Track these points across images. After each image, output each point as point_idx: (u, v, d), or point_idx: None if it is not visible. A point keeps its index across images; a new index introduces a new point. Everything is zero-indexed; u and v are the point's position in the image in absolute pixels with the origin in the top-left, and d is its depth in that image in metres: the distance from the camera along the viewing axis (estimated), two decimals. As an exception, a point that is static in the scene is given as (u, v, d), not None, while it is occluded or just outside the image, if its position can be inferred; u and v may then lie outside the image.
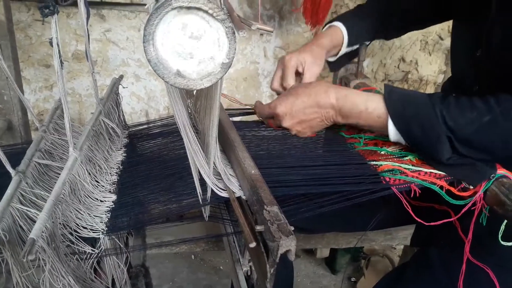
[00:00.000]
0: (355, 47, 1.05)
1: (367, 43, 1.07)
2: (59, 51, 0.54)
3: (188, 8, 0.36)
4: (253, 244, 0.48)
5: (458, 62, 0.89)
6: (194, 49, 0.38)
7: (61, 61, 0.56)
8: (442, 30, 1.78)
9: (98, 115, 0.79)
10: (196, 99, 0.79)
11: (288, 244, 0.44)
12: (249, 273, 0.73)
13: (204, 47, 0.38)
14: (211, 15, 0.37)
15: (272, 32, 0.61)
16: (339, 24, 1.00)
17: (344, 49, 1.02)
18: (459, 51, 0.88)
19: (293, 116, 0.78)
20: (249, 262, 0.73)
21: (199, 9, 0.36)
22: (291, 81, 0.90)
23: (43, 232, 0.52)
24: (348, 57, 1.08)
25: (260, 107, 0.85)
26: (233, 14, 0.39)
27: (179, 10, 0.36)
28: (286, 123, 0.80)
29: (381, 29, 1.04)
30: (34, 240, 0.50)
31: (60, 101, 0.81)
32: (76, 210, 0.62)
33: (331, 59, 1.04)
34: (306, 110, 0.77)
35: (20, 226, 0.56)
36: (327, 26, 1.02)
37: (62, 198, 0.59)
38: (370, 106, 0.70)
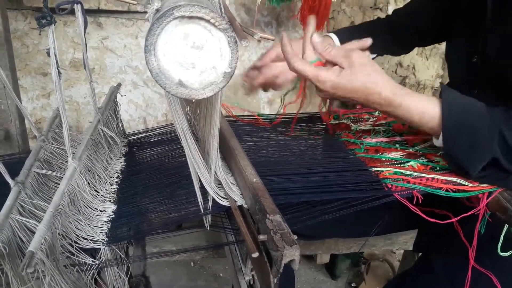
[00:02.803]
0: None
1: (373, 56, 1.10)
2: (56, 61, 0.54)
3: (190, 17, 0.36)
4: (255, 254, 0.48)
5: (455, 67, 0.90)
6: (196, 59, 0.38)
7: (58, 71, 0.56)
8: (438, 35, 1.79)
9: (97, 124, 0.78)
10: (196, 107, 0.79)
11: (292, 254, 0.43)
12: (251, 283, 0.73)
13: (206, 57, 0.38)
14: (213, 24, 0.36)
15: (273, 40, 0.61)
16: (332, 35, 1.02)
17: None
18: (455, 56, 0.89)
19: (336, 91, 0.67)
20: (251, 271, 0.72)
21: (201, 18, 0.36)
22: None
23: (42, 244, 0.51)
24: None
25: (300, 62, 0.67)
26: (234, 23, 0.39)
27: (180, 20, 0.36)
28: (325, 89, 0.67)
29: (387, 45, 1.07)
30: (33, 252, 0.49)
31: (58, 110, 0.81)
32: (76, 221, 0.61)
33: None
34: (352, 95, 0.67)
35: (20, 238, 0.55)
36: (324, 35, 1.03)
37: (61, 209, 0.58)
38: (424, 118, 0.64)
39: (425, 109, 0.64)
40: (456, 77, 0.89)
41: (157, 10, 0.39)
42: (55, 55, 0.54)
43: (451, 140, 0.63)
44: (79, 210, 0.63)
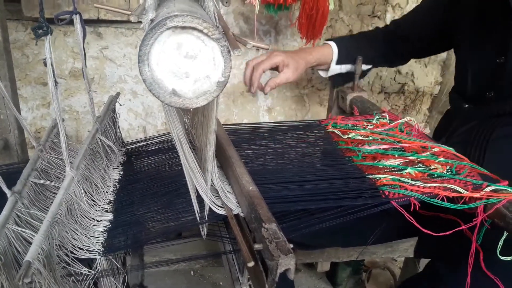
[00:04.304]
0: (346, 66, 1.11)
1: (367, 67, 1.13)
2: (53, 71, 0.54)
3: (183, 27, 0.36)
4: (251, 263, 0.47)
5: (472, 70, 0.92)
6: (190, 68, 0.38)
7: (55, 80, 0.56)
8: (436, 42, 1.80)
9: (95, 133, 0.78)
10: (193, 115, 0.79)
11: (287, 263, 0.43)
12: (249, 292, 0.72)
13: (200, 66, 0.38)
14: (206, 34, 0.37)
15: (267, 49, 0.62)
16: (332, 44, 1.08)
17: (334, 66, 1.09)
18: (473, 59, 0.91)
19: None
20: (248, 281, 0.72)
21: (194, 28, 0.36)
22: (266, 67, 0.99)
23: (39, 254, 0.51)
24: (350, 77, 1.14)
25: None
26: (228, 32, 0.39)
27: (174, 30, 0.36)
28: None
29: (384, 56, 1.12)
30: (30, 262, 0.49)
31: (56, 120, 0.81)
32: (72, 231, 0.61)
33: (323, 74, 1.12)
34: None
35: (16, 248, 0.55)
36: (323, 43, 1.11)
37: (59, 219, 0.58)
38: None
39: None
40: (472, 80, 0.92)
41: (152, 21, 0.40)
42: (52, 65, 0.54)
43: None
44: (75, 220, 0.63)
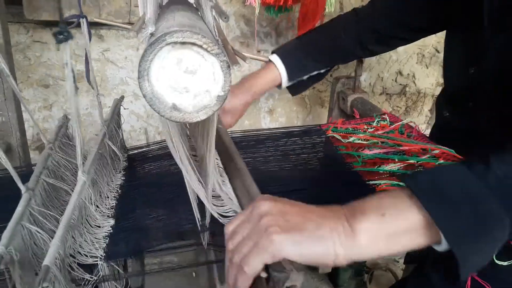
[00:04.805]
0: (301, 78, 0.96)
1: (326, 69, 0.98)
2: (74, 76, 0.54)
3: (183, 43, 0.36)
4: (264, 274, 0.46)
5: (451, 77, 0.87)
6: (190, 83, 0.38)
7: (75, 85, 0.56)
8: (438, 43, 1.79)
9: (103, 137, 0.78)
10: (194, 126, 0.78)
11: (295, 279, 0.40)
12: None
13: (200, 81, 0.38)
14: (206, 49, 0.37)
15: (266, 61, 0.59)
16: (277, 61, 0.92)
17: (286, 84, 0.94)
18: (452, 66, 0.86)
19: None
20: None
21: (193, 44, 0.36)
22: None
23: (56, 258, 0.51)
24: (308, 84, 1.00)
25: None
26: (227, 46, 0.39)
27: (173, 46, 0.36)
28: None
29: (355, 46, 0.96)
30: (49, 267, 0.49)
31: (64, 119, 0.81)
32: (80, 236, 0.61)
33: (279, 87, 0.96)
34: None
35: (29, 246, 0.55)
36: (269, 59, 0.95)
37: (73, 223, 0.58)
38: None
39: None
40: (452, 87, 0.87)
41: (152, 34, 0.40)
42: (73, 70, 0.54)
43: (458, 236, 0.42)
44: (83, 225, 0.64)
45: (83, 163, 0.64)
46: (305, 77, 0.96)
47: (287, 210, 0.44)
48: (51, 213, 0.61)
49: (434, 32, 0.95)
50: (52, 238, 0.55)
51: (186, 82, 0.38)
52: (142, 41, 0.40)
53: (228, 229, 0.46)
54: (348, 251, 0.42)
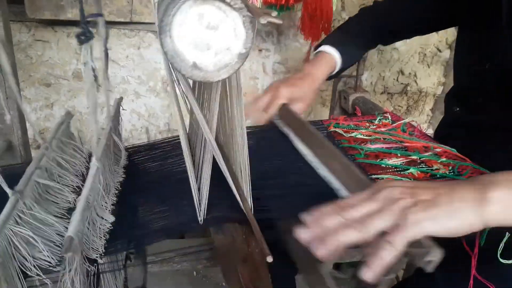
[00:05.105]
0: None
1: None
2: (95, 75, 0.54)
3: None
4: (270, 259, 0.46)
5: (463, 73, 0.88)
6: (211, 40, 0.38)
7: (98, 85, 0.55)
8: (440, 42, 1.79)
9: (110, 130, 0.78)
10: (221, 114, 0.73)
11: (435, 254, 0.43)
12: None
13: (221, 38, 0.38)
14: (228, 4, 0.37)
15: (281, 23, 0.57)
16: (332, 51, 0.97)
17: (336, 71, 1.02)
18: (464, 62, 0.87)
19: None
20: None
21: None
22: (274, 111, 0.88)
23: (78, 231, 0.50)
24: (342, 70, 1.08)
25: None
26: (248, 3, 0.39)
27: (195, 1, 0.36)
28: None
29: (376, 37, 1.05)
30: (72, 237, 0.48)
31: (66, 116, 0.80)
32: (87, 228, 0.60)
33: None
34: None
35: (15, 248, 0.55)
36: (318, 51, 1.00)
37: (89, 203, 0.58)
38: None
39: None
40: (463, 83, 0.88)
41: None
42: (93, 70, 0.54)
43: None
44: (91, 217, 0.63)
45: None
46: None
47: (416, 189, 0.47)
48: (42, 216, 0.60)
49: (443, 28, 1.01)
50: (44, 240, 0.54)
51: (207, 38, 0.38)
52: (155, 2, 0.40)
53: (346, 201, 0.49)
54: (482, 218, 0.45)
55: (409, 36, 1.08)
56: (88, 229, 0.60)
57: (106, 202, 0.70)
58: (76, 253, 0.47)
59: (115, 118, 0.86)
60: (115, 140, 0.81)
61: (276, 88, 0.90)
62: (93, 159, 0.63)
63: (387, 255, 0.43)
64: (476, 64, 0.77)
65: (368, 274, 0.45)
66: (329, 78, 1.06)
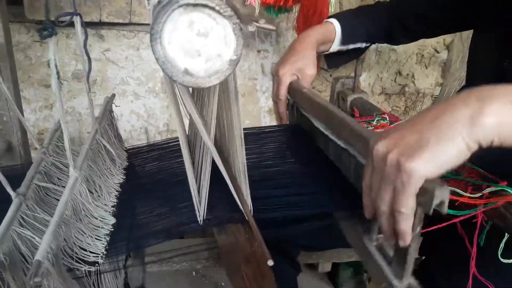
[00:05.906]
0: (351, 46, 1.02)
1: (366, 44, 1.05)
2: (57, 72, 0.54)
3: (195, 5, 0.36)
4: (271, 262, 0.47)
5: (479, 71, 0.87)
6: (202, 47, 0.38)
7: (60, 82, 0.56)
8: (437, 44, 1.80)
9: (95, 134, 0.78)
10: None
11: (441, 195, 0.40)
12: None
13: (211, 45, 0.39)
14: (218, 11, 0.37)
15: (274, 30, 0.58)
16: (333, 21, 0.97)
17: (336, 47, 0.99)
18: (481, 60, 0.86)
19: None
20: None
21: (205, 6, 0.37)
22: (284, 93, 0.91)
23: (48, 253, 0.51)
24: (348, 57, 1.06)
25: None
26: (237, 11, 0.39)
27: (185, 8, 0.37)
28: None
29: (387, 33, 1.03)
30: (40, 261, 0.49)
31: (59, 123, 0.81)
32: (78, 232, 0.61)
33: (321, 53, 1.01)
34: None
35: (20, 250, 0.55)
36: (324, 21, 1.00)
37: (65, 218, 0.58)
38: None
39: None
40: (479, 82, 0.88)
41: (159, 2, 0.40)
42: (56, 66, 0.55)
43: None
44: (81, 221, 0.63)
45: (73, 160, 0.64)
46: (351, 46, 1.01)
47: (401, 134, 0.45)
48: (45, 216, 0.61)
49: (459, 30, 1.02)
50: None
51: (198, 45, 0.38)
52: (149, 8, 0.40)
53: (363, 185, 0.49)
54: (475, 134, 0.42)
55: (420, 36, 1.06)
56: (79, 232, 0.60)
57: (105, 204, 0.71)
58: (46, 277, 0.47)
59: (105, 118, 0.86)
60: (109, 141, 0.82)
61: (276, 73, 0.92)
62: (70, 169, 0.64)
63: (406, 224, 0.43)
64: (494, 62, 0.77)
65: (402, 243, 0.46)
66: (336, 62, 1.06)
